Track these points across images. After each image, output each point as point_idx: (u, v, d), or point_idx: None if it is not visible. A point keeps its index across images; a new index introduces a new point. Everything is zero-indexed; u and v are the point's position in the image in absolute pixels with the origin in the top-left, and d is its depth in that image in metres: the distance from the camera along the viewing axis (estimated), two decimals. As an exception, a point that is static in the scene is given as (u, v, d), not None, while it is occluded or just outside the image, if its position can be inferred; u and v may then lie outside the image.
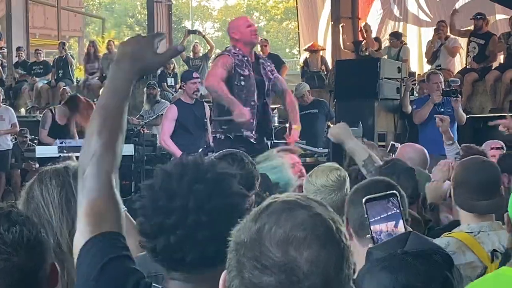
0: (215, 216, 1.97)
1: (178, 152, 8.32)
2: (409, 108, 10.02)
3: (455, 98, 9.04)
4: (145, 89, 13.79)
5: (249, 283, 1.47)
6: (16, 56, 19.50)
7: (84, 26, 32.94)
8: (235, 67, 7.00)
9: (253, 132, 7.01)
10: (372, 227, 2.31)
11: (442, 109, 9.28)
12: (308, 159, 9.79)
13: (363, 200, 2.33)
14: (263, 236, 1.47)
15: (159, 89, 14.04)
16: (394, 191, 2.38)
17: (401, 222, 2.33)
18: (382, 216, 2.32)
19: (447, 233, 3.55)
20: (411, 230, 2.39)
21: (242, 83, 7.02)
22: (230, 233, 1.56)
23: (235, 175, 2.11)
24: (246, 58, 7.08)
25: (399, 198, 2.35)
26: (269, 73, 7.24)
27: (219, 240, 1.79)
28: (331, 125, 10.92)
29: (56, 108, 11.47)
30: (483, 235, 3.52)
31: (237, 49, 7.04)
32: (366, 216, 2.32)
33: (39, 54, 18.92)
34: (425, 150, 5.99)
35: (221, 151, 3.99)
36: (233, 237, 1.54)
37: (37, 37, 25.28)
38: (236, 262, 1.50)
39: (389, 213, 2.33)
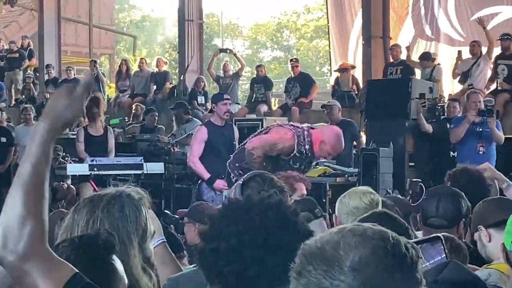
0: (272, 249, 1.98)
1: (206, 175, 8.35)
2: (427, 127, 10.07)
3: (489, 117, 9.05)
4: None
5: None
6: (45, 74, 19.65)
7: (115, 44, 33.18)
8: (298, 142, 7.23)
9: None
10: None
11: (481, 129, 9.32)
12: (338, 179, 9.79)
13: None
14: None
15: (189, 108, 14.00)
16: (439, 235, 2.33)
17: None
18: (429, 262, 2.28)
19: (487, 264, 3.51)
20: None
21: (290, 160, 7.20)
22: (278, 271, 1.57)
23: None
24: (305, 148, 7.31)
25: (443, 242, 2.30)
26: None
27: (263, 266, 1.87)
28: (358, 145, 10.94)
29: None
30: None
31: (306, 140, 7.29)
32: None
33: (70, 72, 19.08)
34: None
35: (249, 173, 4.00)
36: None
37: (68, 54, 25.46)
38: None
39: (436, 258, 2.28)
